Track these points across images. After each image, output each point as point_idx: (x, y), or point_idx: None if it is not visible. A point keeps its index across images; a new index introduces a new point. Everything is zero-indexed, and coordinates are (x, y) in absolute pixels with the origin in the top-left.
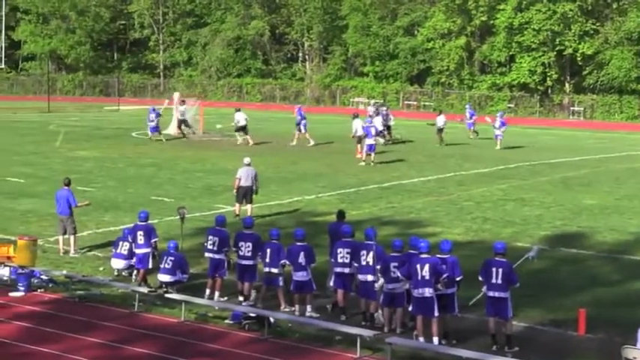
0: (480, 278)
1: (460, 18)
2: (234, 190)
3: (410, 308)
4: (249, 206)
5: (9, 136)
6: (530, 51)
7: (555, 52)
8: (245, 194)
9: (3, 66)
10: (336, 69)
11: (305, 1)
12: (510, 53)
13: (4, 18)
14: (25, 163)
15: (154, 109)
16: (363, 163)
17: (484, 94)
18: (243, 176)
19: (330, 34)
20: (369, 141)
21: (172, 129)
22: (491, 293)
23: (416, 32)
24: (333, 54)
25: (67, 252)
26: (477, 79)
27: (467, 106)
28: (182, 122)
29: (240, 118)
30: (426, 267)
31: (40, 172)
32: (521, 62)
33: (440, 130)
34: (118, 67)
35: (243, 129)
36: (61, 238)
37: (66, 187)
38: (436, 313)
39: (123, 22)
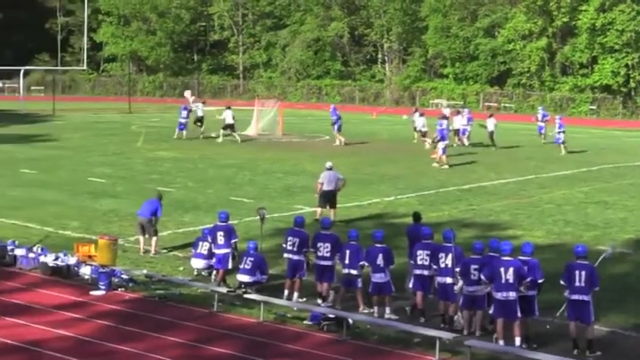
0: (562, 282)
1: (541, 19)
2: (316, 194)
3: (490, 311)
4: (332, 211)
5: (91, 137)
6: (613, 52)
7: (639, 54)
8: (328, 199)
9: (85, 67)
10: (415, 70)
11: (385, 2)
12: (593, 54)
13: (86, 20)
14: (106, 163)
15: (185, 107)
16: (446, 167)
17: (565, 95)
18: (326, 180)
19: (410, 35)
20: (442, 144)
21: (252, 131)
22: (574, 296)
23: (496, 33)
24: (412, 55)
25: (147, 252)
26: (559, 81)
27: (540, 109)
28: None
29: (228, 116)
30: (510, 270)
31: (121, 173)
32: (603, 64)
33: (491, 133)
34: (198, 69)
35: (231, 127)
36: (141, 238)
37: (157, 200)
38: (518, 315)
39: (203, 23)
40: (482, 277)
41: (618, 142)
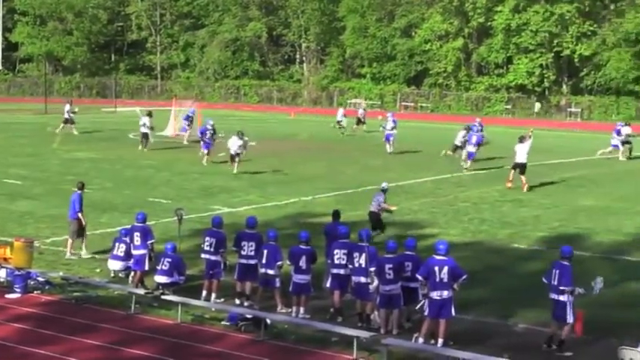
0: (545, 280)
1: (457, 19)
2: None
3: (426, 312)
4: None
5: (6, 138)
6: (527, 52)
7: (553, 54)
8: (371, 219)
9: (0, 68)
10: (333, 70)
11: (302, 2)
12: (508, 55)
13: (1, 20)
14: (22, 164)
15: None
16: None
17: (481, 95)
18: (373, 201)
19: (328, 35)
20: (470, 148)
21: (169, 131)
22: (551, 295)
23: (413, 34)
24: (330, 55)
25: (76, 254)
26: (474, 81)
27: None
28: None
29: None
30: (445, 269)
31: (37, 174)
32: (518, 64)
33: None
34: (116, 69)
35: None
36: (71, 240)
37: (77, 191)
38: (453, 313)
39: (120, 23)
40: (418, 276)
41: (533, 142)
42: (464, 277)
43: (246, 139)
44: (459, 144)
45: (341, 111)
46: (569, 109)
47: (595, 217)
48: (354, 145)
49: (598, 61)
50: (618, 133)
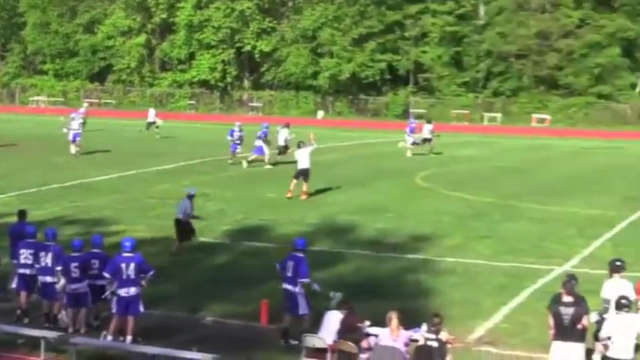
0: (278, 267)
1: (140, 15)
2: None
3: (114, 309)
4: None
5: None
6: (210, 48)
7: (234, 50)
8: (177, 227)
9: None
10: (14, 67)
11: None
12: (191, 51)
13: None
14: None
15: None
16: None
17: (165, 91)
18: (178, 208)
19: (8, 31)
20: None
21: None
22: (285, 286)
23: (96, 30)
24: (11, 52)
25: None
26: (158, 77)
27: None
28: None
29: None
30: (132, 265)
31: None
32: (201, 59)
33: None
34: None
35: None
36: None
37: None
38: (142, 310)
39: None
40: (106, 274)
41: (216, 136)
42: (151, 272)
43: None
44: (285, 143)
45: (152, 112)
46: (250, 104)
47: (279, 209)
48: (36, 145)
49: (278, 56)
50: (411, 130)
